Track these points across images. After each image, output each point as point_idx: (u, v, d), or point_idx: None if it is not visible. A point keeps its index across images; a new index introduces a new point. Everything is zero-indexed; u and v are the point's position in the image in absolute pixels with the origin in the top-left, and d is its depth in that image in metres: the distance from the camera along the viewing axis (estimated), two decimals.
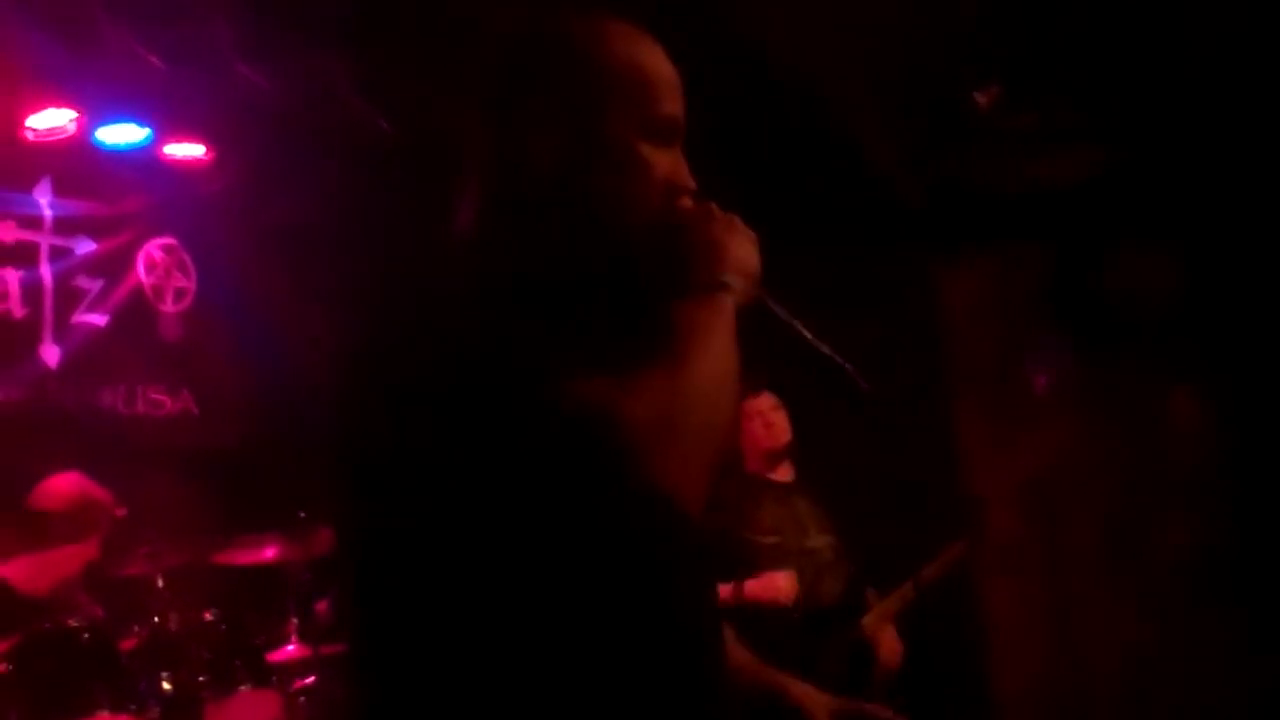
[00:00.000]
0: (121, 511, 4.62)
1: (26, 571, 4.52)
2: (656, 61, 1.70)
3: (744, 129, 5.41)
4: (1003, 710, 6.58)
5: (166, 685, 4.06)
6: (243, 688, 4.28)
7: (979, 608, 6.46)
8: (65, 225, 5.98)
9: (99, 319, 6.04)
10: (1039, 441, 6.51)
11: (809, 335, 1.72)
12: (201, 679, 4.14)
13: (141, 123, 6.10)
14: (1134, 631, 6.21)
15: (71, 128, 5.89)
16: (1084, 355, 6.45)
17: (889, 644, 5.23)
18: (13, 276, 5.75)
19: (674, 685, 1.59)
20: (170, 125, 6.24)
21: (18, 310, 5.75)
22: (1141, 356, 6.28)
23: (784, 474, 5.29)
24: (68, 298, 5.94)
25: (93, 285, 6.04)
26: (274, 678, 4.43)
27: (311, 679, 4.74)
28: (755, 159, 5.51)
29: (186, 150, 6.36)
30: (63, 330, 5.88)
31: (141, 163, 6.19)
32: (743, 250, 1.67)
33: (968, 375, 6.81)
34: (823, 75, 5.43)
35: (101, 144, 6.05)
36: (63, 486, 4.59)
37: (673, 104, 1.70)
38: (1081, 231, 6.33)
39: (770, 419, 5.24)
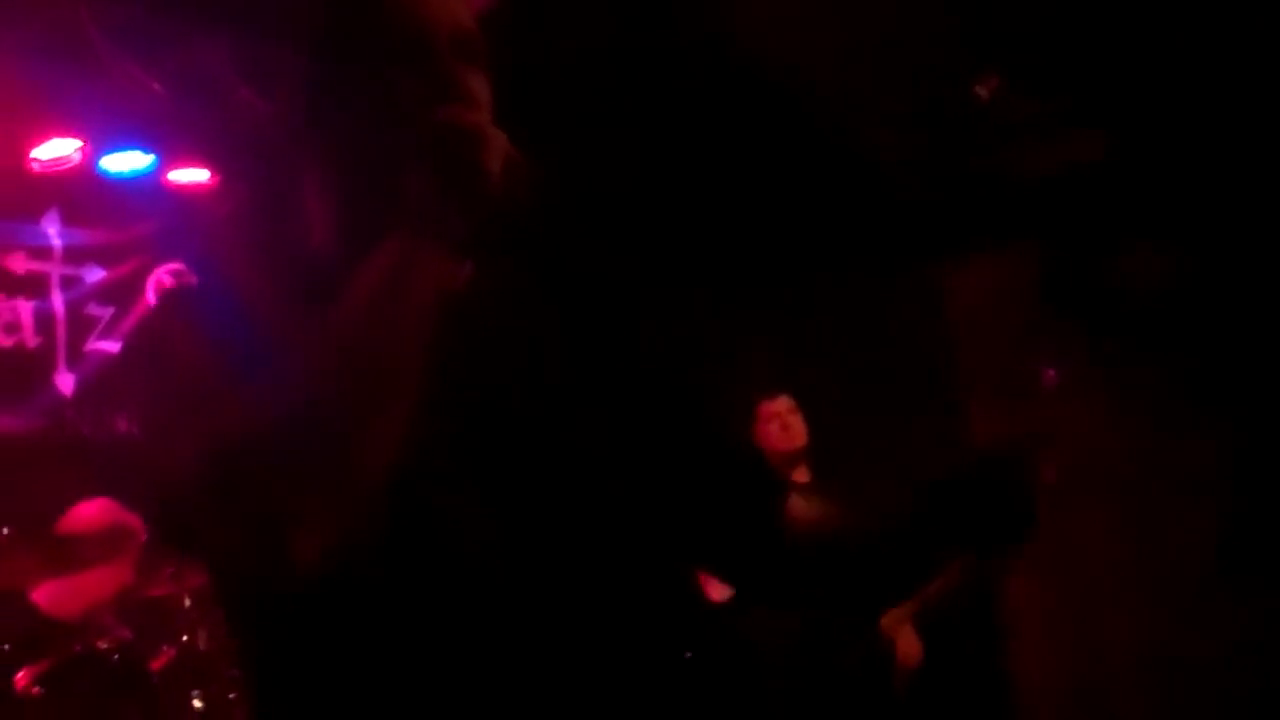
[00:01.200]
0: (144, 535, 4.64)
1: (56, 596, 4.53)
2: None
3: (743, 128, 5.43)
4: (1024, 706, 6.58)
5: (198, 703, 4.08)
6: None
7: (997, 604, 6.47)
8: (74, 254, 6.01)
9: (112, 346, 6.06)
10: (1055, 435, 6.50)
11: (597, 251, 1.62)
12: (231, 696, 4.13)
13: (145, 150, 6.13)
14: (1152, 624, 6.22)
15: (76, 157, 5.91)
16: (1094, 347, 6.46)
17: (907, 644, 5.23)
18: (25, 307, 5.77)
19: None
20: (174, 151, 6.27)
21: (31, 340, 5.77)
22: (1151, 346, 6.29)
23: (800, 476, 5.29)
24: (80, 326, 5.97)
25: (104, 312, 6.07)
26: None
27: None
28: (756, 158, 5.53)
29: (191, 175, 6.38)
30: (76, 358, 5.91)
31: (147, 189, 6.21)
32: (475, 164, 1.44)
33: (978, 370, 6.83)
34: (821, 71, 5.45)
35: (106, 172, 6.07)
36: (93, 512, 4.62)
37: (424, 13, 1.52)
38: (1086, 221, 6.35)
39: (787, 421, 5.24)
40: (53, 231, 5.94)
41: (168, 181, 6.32)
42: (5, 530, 4.01)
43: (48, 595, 4.55)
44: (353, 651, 1.45)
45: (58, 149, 5.88)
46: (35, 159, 5.85)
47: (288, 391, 1.37)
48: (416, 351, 1.38)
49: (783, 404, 5.24)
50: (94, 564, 4.32)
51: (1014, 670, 6.70)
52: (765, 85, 5.19)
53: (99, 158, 6.02)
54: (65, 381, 5.84)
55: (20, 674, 3.83)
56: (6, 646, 3.91)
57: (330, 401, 1.35)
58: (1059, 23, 5.29)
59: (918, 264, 6.66)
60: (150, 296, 6.26)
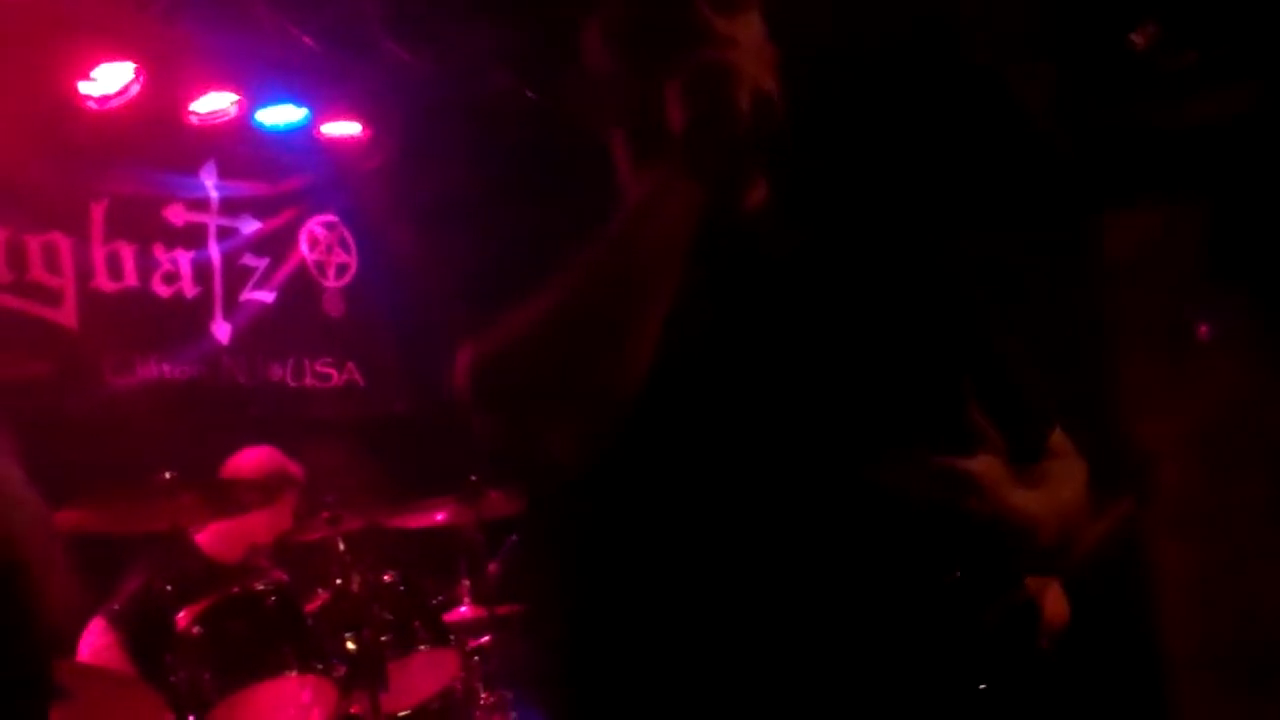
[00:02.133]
0: (302, 480, 4.77)
1: (219, 538, 4.69)
2: None
3: (894, 78, 5.35)
4: (1174, 670, 6.45)
5: (350, 645, 4.13)
6: (422, 647, 4.35)
7: (1147, 565, 6.34)
8: (230, 205, 6.14)
9: (266, 296, 6.20)
10: (1207, 392, 6.36)
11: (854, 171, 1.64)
12: (384, 639, 4.20)
13: (299, 103, 6.24)
14: None
15: (233, 110, 6.05)
16: (1251, 302, 6.28)
17: (1054, 602, 5.17)
18: (184, 257, 5.92)
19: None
20: (327, 105, 6.38)
21: (190, 290, 5.92)
22: None
23: None
24: (236, 276, 6.11)
25: (259, 263, 6.21)
26: (451, 637, 4.50)
27: (486, 639, 4.82)
28: (908, 112, 5.45)
29: (343, 129, 6.50)
30: (232, 308, 6.05)
31: (301, 142, 6.34)
32: (717, 98, 1.49)
33: (1132, 325, 6.68)
34: (974, 20, 5.35)
35: (262, 125, 6.20)
36: (257, 458, 4.76)
37: None
38: (1245, 172, 6.16)
39: None
40: (210, 183, 6.08)
41: (320, 134, 6.43)
42: (168, 474, 4.12)
43: (208, 538, 4.71)
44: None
45: (215, 103, 6.01)
46: (193, 112, 5.99)
47: (541, 308, 1.43)
48: (666, 271, 1.44)
49: None
50: (253, 508, 4.44)
51: (1162, 633, 6.57)
52: (914, 38, 5.11)
53: (254, 111, 6.15)
54: (222, 330, 5.99)
55: (181, 614, 3.94)
56: (169, 587, 4.02)
57: (582, 317, 1.43)
58: None
59: (1072, 215, 6.53)
60: (303, 247, 6.39)
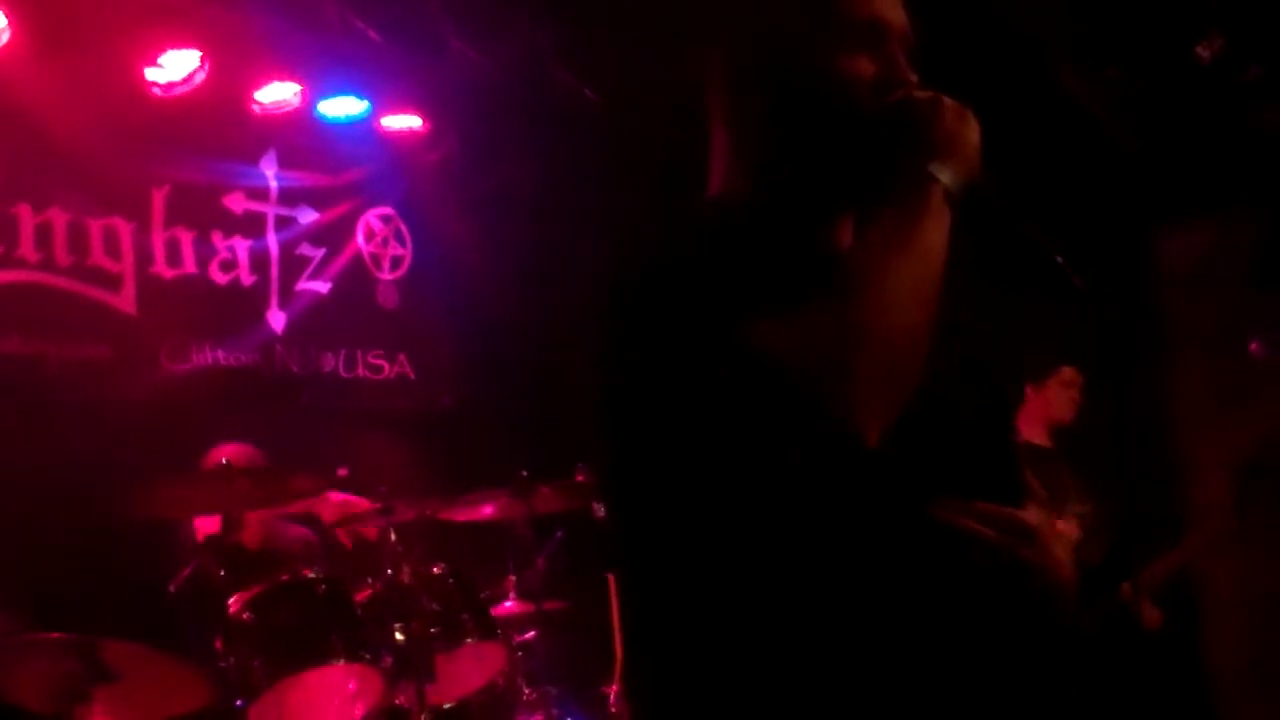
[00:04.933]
0: (343, 471, 4.76)
1: (261, 526, 4.69)
2: None
3: (956, 79, 5.32)
4: (1217, 689, 6.39)
5: (399, 636, 4.14)
6: (469, 640, 4.35)
7: (1197, 584, 6.29)
8: (289, 196, 6.18)
9: (321, 286, 6.23)
10: (1261, 412, 6.30)
11: (1028, 227, 1.66)
12: (432, 630, 4.21)
13: (361, 95, 6.28)
14: None
15: (295, 101, 6.09)
16: None
17: (1150, 611, 5.21)
18: (242, 245, 5.96)
19: (956, 616, 1.58)
20: (388, 98, 6.42)
21: (246, 278, 5.96)
22: None
23: (1051, 443, 5.31)
24: (292, 266, 6.14)
25: (315, 253, 6.24)
26: (498, 631, 4.50)
27: (530, 634, 4.82)
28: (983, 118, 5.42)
29: (404, 122, 6.53)
30: (288, 297, 6.09)
31: (361, 134, 6.37)
32: (954, 132, 1.59)
33: (1187, 338, 6.62)
34: (1041, 25, 5.31)
35: (323, 116, 6.24)
36: (243, 453, 4.67)
37: (876, 6, 1.69)
38: None
39: (1076, 395, 5.24)
40: (270, 173, 6.12)
41: (381, 127, 6.47)
42: (225, 460, 4.14)
43: (254, 525, 4.72)
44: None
45: (278, 93, 6.06)
46: (256, 102, 6.04)
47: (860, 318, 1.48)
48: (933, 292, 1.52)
49: (1074, 375, 5.25)
50: (300, 499, 4.45)
51: (1212, 653, 6.52)
52: (981, 40, 5.08)
53: (316, 102, 6.19)
54: (277, 319, 6.03)
55: (233, 599, 3.96)
56: (223, 572, 4.04)
57: (901, 321, 1.49)
58: None
59: (1133, 223, 6.48)
60: (359, 239, 6.42)
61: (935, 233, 1.53)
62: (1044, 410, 5.23)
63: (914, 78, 1.68)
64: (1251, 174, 6.12)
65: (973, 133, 1.60)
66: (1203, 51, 5.62)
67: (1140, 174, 6.07)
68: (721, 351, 1.47)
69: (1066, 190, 5.74)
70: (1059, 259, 1.67)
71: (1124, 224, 6.30)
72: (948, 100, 1.61)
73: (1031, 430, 5.23)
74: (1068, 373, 5.23)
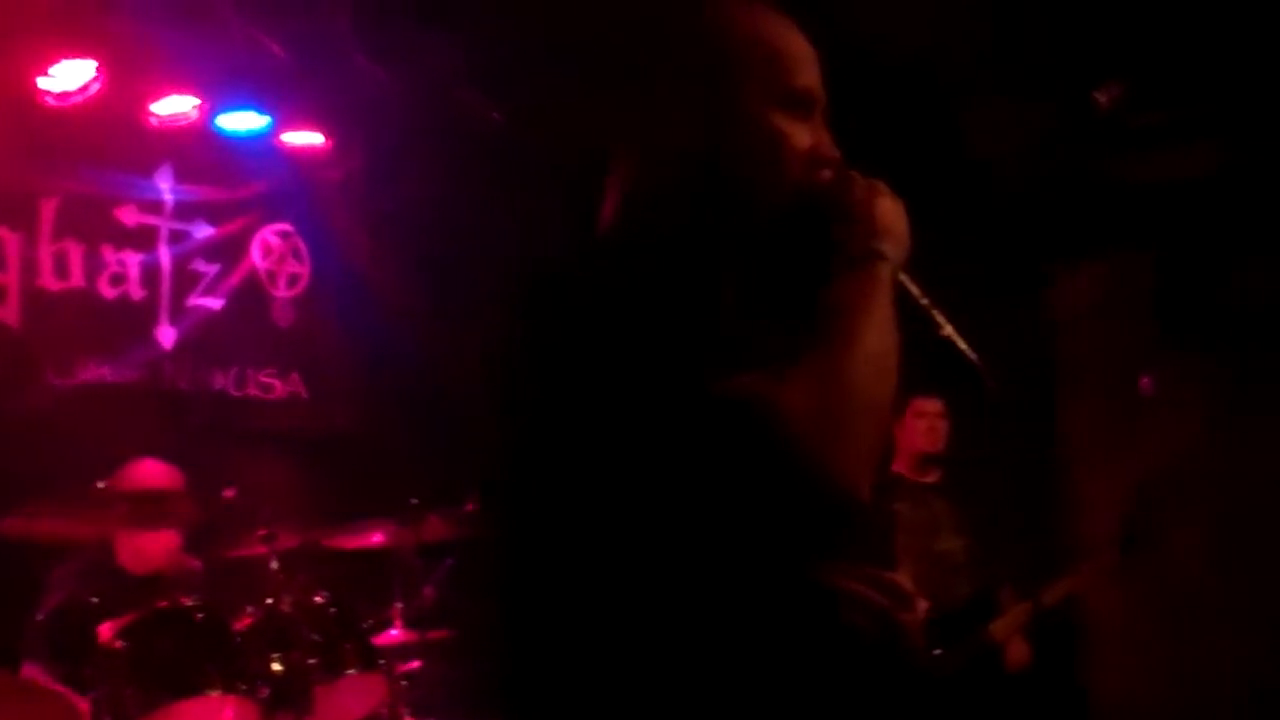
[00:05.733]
0: (230, 493, 4.66)
1: (130, 552, 4.57)
2: (787, 34, 1.70)
3: (858, 119, 5.35)
4: (1098, 718, 6.48)
5: (277, 666, 4.07)
6: (350, 670, 4.29)
7: (1082, 613, 6.37)
8: (184, 210, 6.07)
9: (214, 302, 6.14)
10: (1149, 445, 6.40)
11: (942, 321, 1.68)
12: (311, 661, 4.14)
13: (261, 110, 6.19)
14: (1246, 644, 6.08)
15: (194, 114, 5.98)
16: (1197, 359, 6.33)
17: (1017, 649, 5.26)
18: (133, 259, 5.85)
19: (837, 675, 1.57)
20: (290, 114, 6.33)
21: (136, 292, 5.85)
22: (1255, 361, 6.15)
23: (929, 477, 5.37)
24: (184, 281, 6.03)
25: (209, 269, 6.14)
26: (380, 661, 4.45)
27: (415, 664, 4.77)
28: (867, 152, 5.46)
29: (305, 138, 6.44)
30: (178, 313, 5.98)
31: (260, 150, 6.28)
32: (892, 217, 1.64)
33: (1078, 375, 6.72)
34: (942, 67, 5.37)
35: (222, 130, 6.14)
36: (153, 470, 4.58)
37: (808, 75, 1.69)
38: (1198, 232, 6.22)
39: (934, 424, 5.29)
40: (165, 186, 6.01)
41: (281, 143, 6.38)
42: (101, 484, 4.06)
43: (124, 551, 4.59)
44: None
45: (176, 105, 5.95)
46: (153, 114, 5.93)
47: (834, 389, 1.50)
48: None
49: (934, 405, 5.27)
50: (158, 523, 4.36)
51: (1094, 682, 6.60)
52: (881, 80, 5.12)
53: (215, 116, 6.09)
54: (167, 335, 5.92)
55: (104, 626, 3.88)
56: (94, 600, 3.96)
57: (875, 389, 1.53)
58: (1183, 33, 5.16)
59: (1026, 264, 6.57)
60: (255, 255, 6.33)
61: (889, 305, 1.58)
62: (907, 443, 5.29)
63: (838, 154, 1.70)
64: (1143, 218, 6.23)
65: (904, 218, 1.65)
66: (1100, 97, 5.71)
67: (1034, 215, 6.16)
68: (681, 399, 1.46)
69: (962, 229, 5.82)
70: (973, 360, 1.69)
71: (1018, 264, 6.39)
72: (881, 185, 1.66)
73: (900, 463, 5.28)
74: (919, 404, 5.28)
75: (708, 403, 1.46)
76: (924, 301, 1.67)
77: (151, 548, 4.53)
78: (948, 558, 5.16)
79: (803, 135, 1.67)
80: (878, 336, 1.54)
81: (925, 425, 5.28)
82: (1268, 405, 6.14)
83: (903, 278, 1.64)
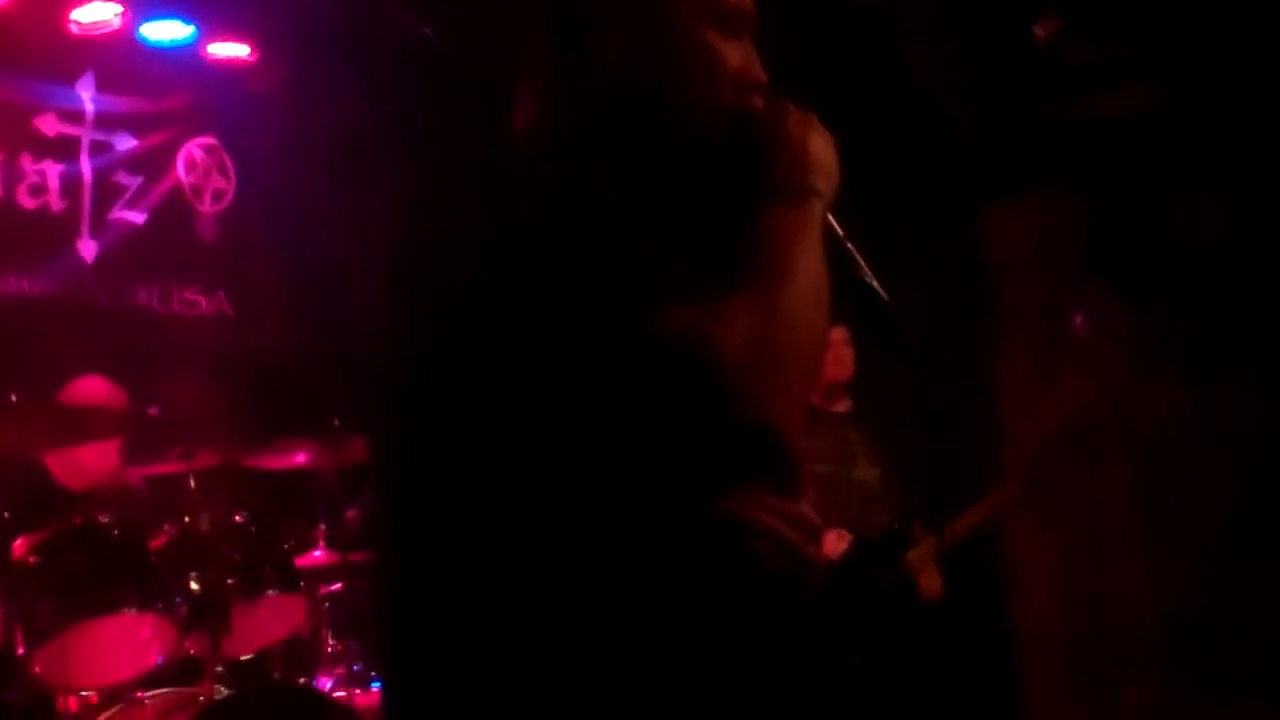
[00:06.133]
0: (153, 410, 4.60)
1: (63, 465, 4.52)
2: None
3: (787, 53, 5.31)
4: (1027, 655, 6.56)
5: (194, 585, 4.02)
6: (270, 591, 4.25)
7: (1006, 545, 6.43)
8: (107, 120, 5.94)
9: (137, 216, 6.02)
10: (1080, 384, 6.44)
11: (862, 264, 1.62)
12: (230, 581, 4.09)
13: (187, 20, 6.06)
14: (1167, 582, 6.15)
15: (116, 22, 5.85)
16: (1131, 299, 6.37)
17: (930, 580, 5.27)
18: (53, 170, 5.73)
19: (740, 608, 1.53)
20: (216, 24, 6.19)
21: (56, 204, 5.73)
22: (1190, 303, 6.19)
23: (840, 405, 5.35)
24: (106, 193, 5.92)
25: (132, 182, 6.02)
26: (301, 583, 4.41)
27: (338, 585, 4.75)
28: (796, 86, 5.42)
29: (231, 50, 6.31)
30: (100, 226, 5.87)
31: (185, 61, 6.15)
32: (825, 152, 1.58)
33: (1012, 313, 6.74)
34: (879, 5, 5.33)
35: (146, 40, 6.01)
36: (94, 386, 4.57)
37: None
38: (1133, 171, 6.23)
39: (840, 352, 5.28)
40: (86, 96, 5.87)
41: (207, 54, 6.24)
42: (14, 396, 3.96)
43: (56, 463, 4.54)
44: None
45: (97, 13, 5.81)
46: (74, 21, 5.78)
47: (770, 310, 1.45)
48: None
49: (838, 333, 5.24)
50: (95, 437, 4.29)
51: (1018, 619, 6.67)
52: (811, 13, 5.08)
53: (139, 24, 5.95)
54: (88, 248, 5.80)
55: (18, 541, 3.81)
56: (6, 514, 3.89)
57: (814, 319, 1.49)
58: None
59: (961, 201, 6.57)
60: (179, 169, 6.20)
61: (820, 243, 1.53)
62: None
63: (765, 78, 1.63)
64: (1080, 157, 6.23)
65: (835, 154, 1.59)
66: (1039, 30, 5.68)
67: (969, 152, 6.15)
68: (604, 332, 1.39)
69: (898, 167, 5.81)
70: (888, 303, 1.63)
71: (952, 200, 6.39)
72: (814, 119, 1.60)
73: (818, 395, 5.28)
74: (832, 333, 5.28)
75: (633, 336, 1.39)
76: (846, 242, 1.61)
77: (91, 463, 4.46)
78: (864, 486, 5.18)
79: (734, 54, 1.59)
80: (809, 274, 1.48)
81: (832, 354, 5.26)
82: (1200, 342, 6.19)
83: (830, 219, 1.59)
